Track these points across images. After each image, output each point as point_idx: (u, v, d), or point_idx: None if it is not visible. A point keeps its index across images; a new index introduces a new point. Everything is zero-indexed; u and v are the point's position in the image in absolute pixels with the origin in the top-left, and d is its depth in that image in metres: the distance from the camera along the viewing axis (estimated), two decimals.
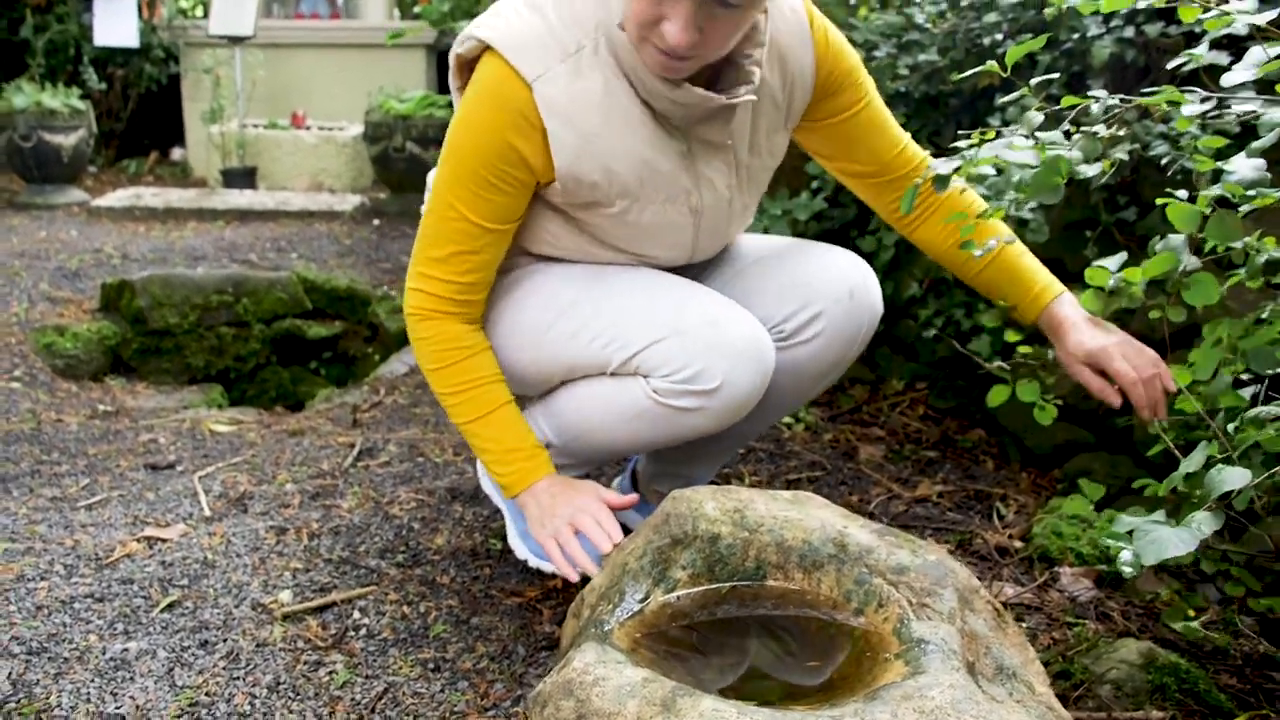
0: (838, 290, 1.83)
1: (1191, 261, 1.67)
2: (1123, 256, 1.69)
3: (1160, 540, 1.32)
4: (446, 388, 1.74)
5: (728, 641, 1.40)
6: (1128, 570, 1.36)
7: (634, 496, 1.74)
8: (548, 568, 1.83)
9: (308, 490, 2.34)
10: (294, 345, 4.10)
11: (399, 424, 2.83)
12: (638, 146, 1.67)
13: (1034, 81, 1.64)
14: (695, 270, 1.93)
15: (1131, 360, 1.75)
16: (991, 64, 1.54)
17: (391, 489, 2.33)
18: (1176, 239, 1.56)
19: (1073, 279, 1.93)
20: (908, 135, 1.90)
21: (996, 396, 2.00)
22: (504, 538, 2.11)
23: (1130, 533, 1.36)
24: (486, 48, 1.62)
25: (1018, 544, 2.41)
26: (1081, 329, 1.81)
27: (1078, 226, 3.03)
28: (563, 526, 1.63)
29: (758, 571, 1.49)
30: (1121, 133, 1.64)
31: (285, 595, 1.89)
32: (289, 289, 4.11)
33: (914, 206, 1.89)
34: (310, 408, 3.26)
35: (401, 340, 4.03)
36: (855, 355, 1.92)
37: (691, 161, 1.72)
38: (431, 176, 1.76)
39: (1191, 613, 2.11)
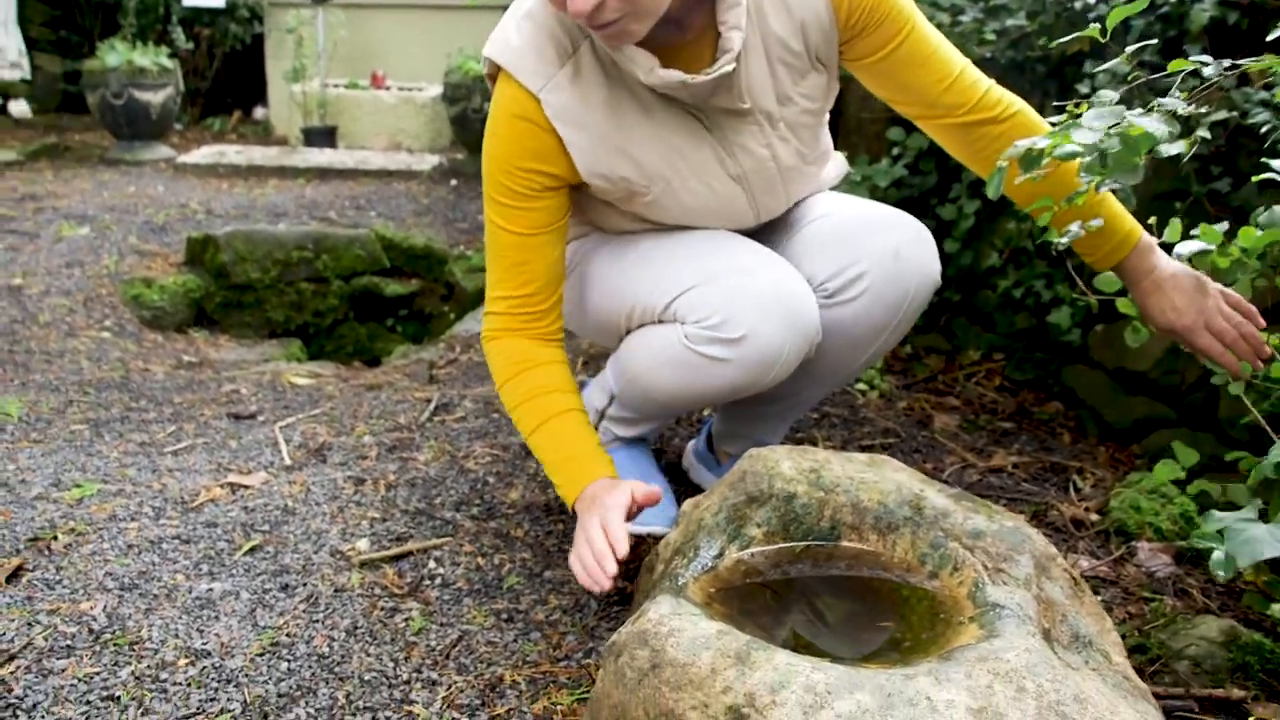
0: (882, 250, 1.78)
1: None
2: (1224, 226, 1.62)
3: (1254, 540, 1.28)
4: (513, 400, 1.75)
5: (800, 600, 1.41)
6: (1220, 574, 1.32)
7: (657, 490, 1.64)
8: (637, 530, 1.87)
9: (385, 443, 2.38)
10: (371, 302, 4.16)
11: (474, 381, 2.86)
12: (655, 131, 1.66)
13: (1129, 49, 1.59)
14: (766, 232, 1.92)
15: (1215, 327, 1.68)
16: (1093, 28, 1.49)
17: (467, 443, 2.36)
18: None
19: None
20: (964, 64, 1.73)
21: (1134, 336, 1.88)
22: None
23: (1221, 531, 1.33)
24: (498, 67, 1.64)
25: (1094, 517, 2.38)
26: (1164, 291, 1.72)
27: (1167, 198, 2.96)
28: (584, 548, 1.57)
29: (832, 531, 1.49)
30: (1204, 109, 1.57)
31: (363, 544, 1.93)
32: (367, 246, 4.16)
33: (979, 139, 1.75)
34: (387, 363, 3.31)
35: (477, 299, 4.07)
36: (908, 319, 1.85)
37: (717, 132, 1.69)
38: None
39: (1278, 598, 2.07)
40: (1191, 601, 2.15)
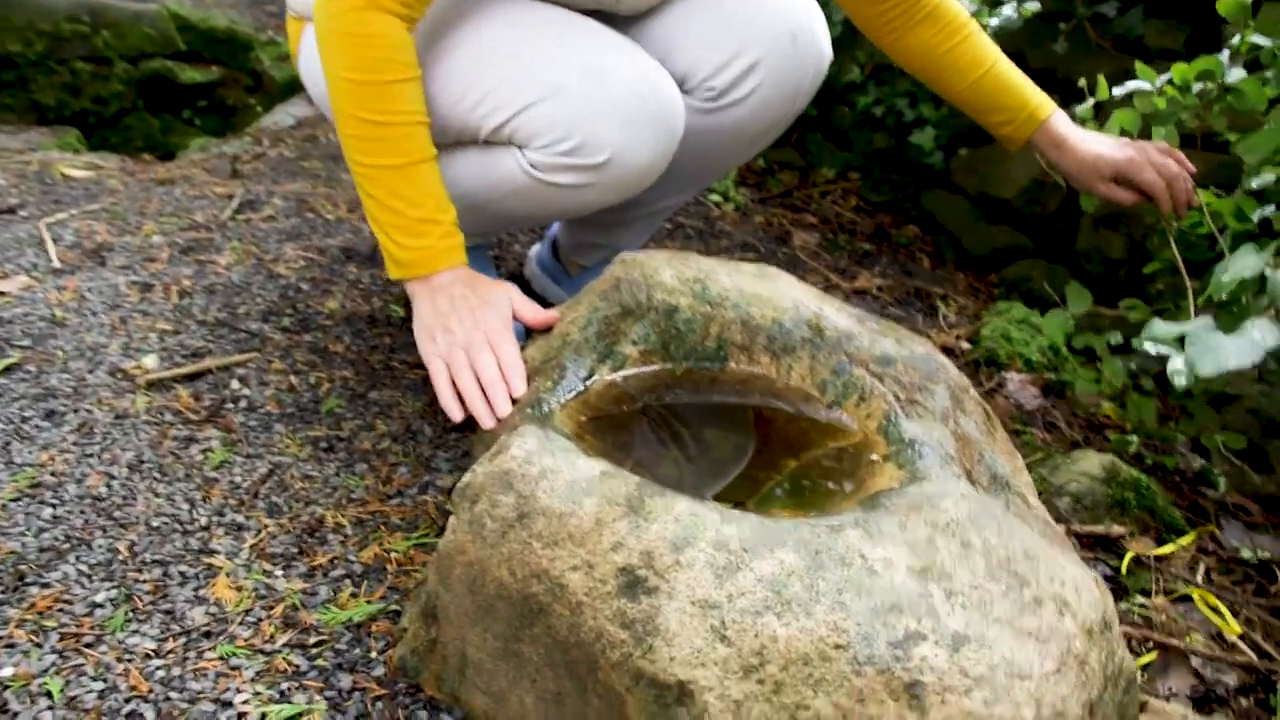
0: (778, 32, 1.53)
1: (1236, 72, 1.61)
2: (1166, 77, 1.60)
3: (1218, 349, 1.14)
4: (367, 112, 1.29)
5: (684, 432, 1.19)
6: (1180, 380, 1.18)
7: (554, 314, 1.31)
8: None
9: (178, 243, 2.02)
10: (164, 90, 3.64)
11: (285, 177, 2.49)
12: None
13: None
14: (626, 23, 1.62)
15: (1157, 167, 1.62)
16: None
17: (276, 245, 2.03)
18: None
19: (1035, 76, 1.72)
20: None
21: (1088, 203, 1.84)
22: (408, 304, 1.84)
23: (1181, 339, 1.18)
24: None
25: (965, 345, 2.25)
26: (1093, 142, 1.65)
27: (1050, 19, 2.79)
28: (458, 354, 1.26)
29: (719, 352, 1.27)
30: None
31: (150, 360, 1.61)
32: (158, 25, 3.62)
33: (894, 16, 1.63)
34: (182, 157, 2.88)
35: (287, 90, 3.62)
36: (798, 112, 1.64)
37: None
38: None
39: (1131, 434, 2.00)
40: (1060, 435, 2.06)
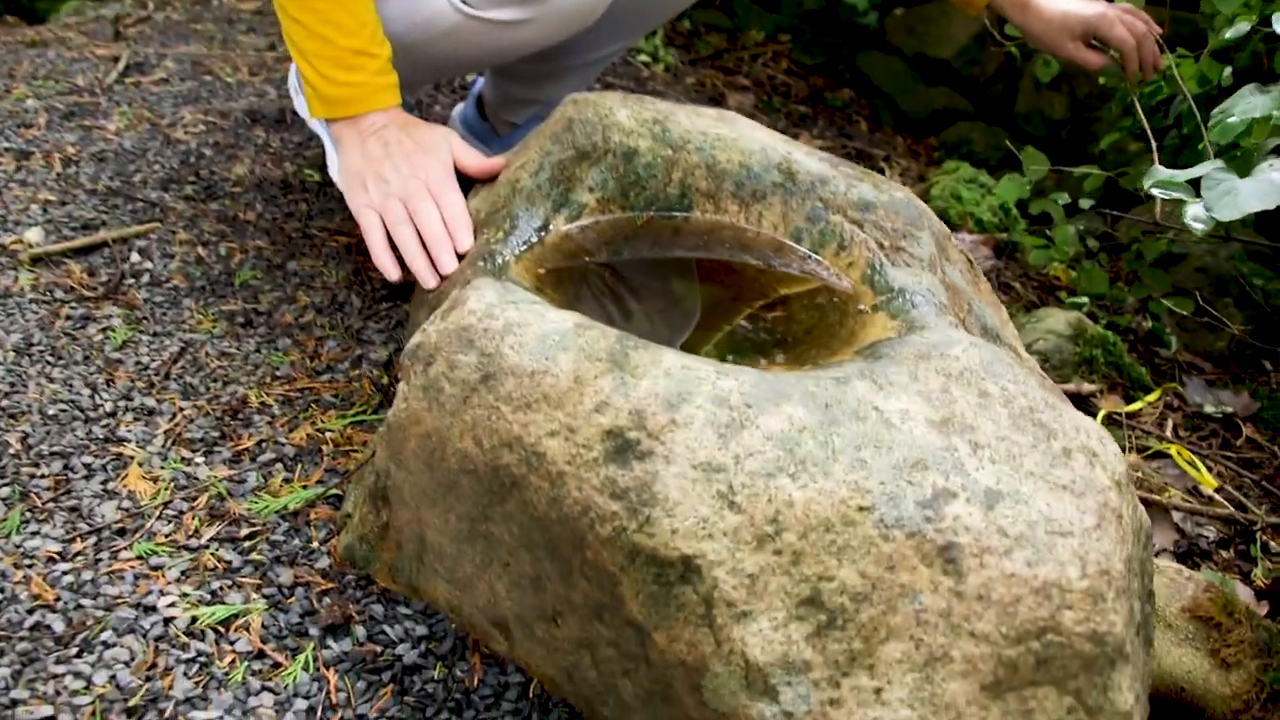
0: None
1: None
2: None
3: (1237, 192, 1.04)
4: None
5: (651, 284, 1.07)
6: (1197, 226, 1.09)
7: (499, 161, 1.18)
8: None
9: (57, 108, 1.81)
10: None
11: (176, 40, 2.26)
12: None
13: None
14: None
15: (1126, 25, 1.55)
16: None
17: (173, 109, 1.83)
18: None
19: None
20: None
21: (1045, 72, 1.75)
22: (323, 167, 1.68)
23: (1195, 183, 1.08)
24: None
25: None
26: (1055, 4, 1.56)
27: None
28: (393, 204, 1.11)
29: (683, 200, 1.15)
30: None
31: (33, 234, 1.43)
32: None
33: None
34: (54, 20, 2.62)
35: None
36: None
37: None
38: None
39: (1082, 296, 1.95)
40: (1015, 295, 1.99)
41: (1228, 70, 1.68)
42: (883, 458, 0.74)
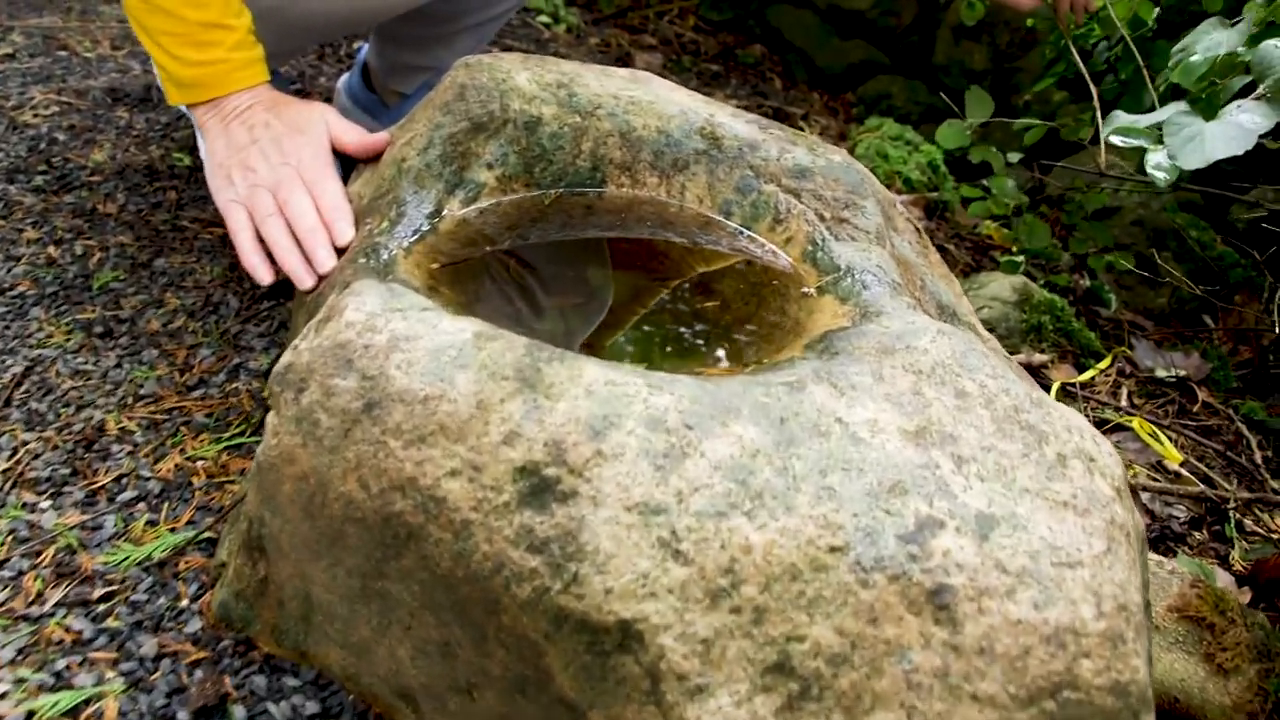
0: None
1: None
2: None
3: (1203, 137, 0.94)
4: None
5: (563, 274, 0.94)
6: (1161, 176, 0.98)
7: (383, 137, 1.02)
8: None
9: None
10: None
11: (26, 11, 2.05)
12: None
13: None
14: None
15: None
16: None
17: (20, 90, 1.63)
18: None
19: None
20: None
21: (970, 15, 1.66)
22: (194, 150, 1.51)
23: (1157, 130, 0.97)
24: None
25: None
26: None
27: None
28: (261, 196, 0.97)
29: (594, 174, 1.01)
30: None
31: None
32: None
33: None
34: None
35: None
36: None
37: None
38: None
39: (1019, 254, 1.86)
40: (950, 258, 1.89)
41: (1156, 10, 1.60)
42: (853, 483, 0.62)
